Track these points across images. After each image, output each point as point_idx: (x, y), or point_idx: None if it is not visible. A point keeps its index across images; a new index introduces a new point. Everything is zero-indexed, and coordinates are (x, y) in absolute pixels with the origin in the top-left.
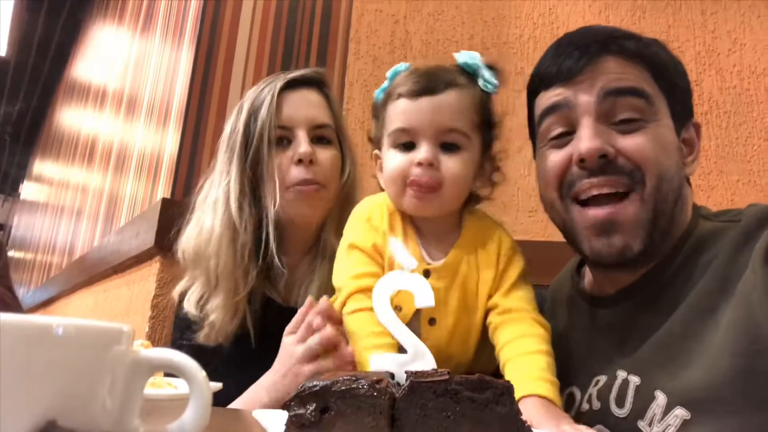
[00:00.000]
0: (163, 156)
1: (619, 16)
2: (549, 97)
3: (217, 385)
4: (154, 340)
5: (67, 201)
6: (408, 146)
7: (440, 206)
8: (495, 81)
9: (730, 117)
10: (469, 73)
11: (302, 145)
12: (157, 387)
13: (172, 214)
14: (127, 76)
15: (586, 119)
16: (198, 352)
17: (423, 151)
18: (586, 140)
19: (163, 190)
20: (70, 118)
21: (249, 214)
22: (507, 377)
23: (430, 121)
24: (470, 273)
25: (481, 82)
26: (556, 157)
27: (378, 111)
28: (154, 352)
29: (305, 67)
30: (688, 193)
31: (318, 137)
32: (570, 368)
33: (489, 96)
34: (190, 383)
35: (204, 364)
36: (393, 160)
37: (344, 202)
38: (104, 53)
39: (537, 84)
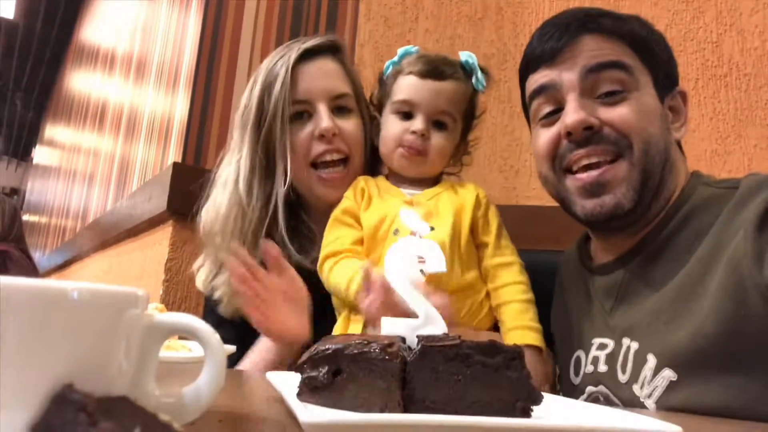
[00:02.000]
0: (174, 120)
1: None
2: (536, 79)
3: (231, 348)
4: (168, 303)
5: (80, 165)
6: (406, 115)
7: (423, 169)
8: (484, 82)
9: (750, 80)
10: (466, 71)
11: (324, 119)
12: (173, 350)
13: (184, 178)
14: (135, 40)
15: (571, 95)
16: (227, 321)
17: (419, 122)
18: (571, 114)
19: (174, 154)
20: (80, 82)
21: (258, 191)
22: (502, 319)
23: (430, 100)
24: (453, 196)
25: (474, 80)
26: (546, 134)
27: (386, 80)
28: (169, 317)
29: (317, 34)
30: (678, 157)
31: (338, 107)
32: (576, 334)
33: (476, 93)
34: (204, 346)
35: (235, 331)
36: (392, 124)
37: (372, 168)
38: (112, 16)
39: (525, 67)
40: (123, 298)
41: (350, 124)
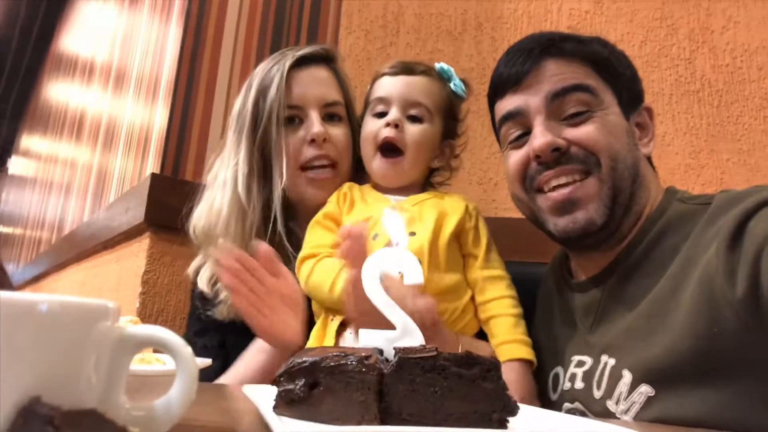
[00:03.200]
0: (152, 131)
1: None
2: (504, 105)
3: (206, 361)
4: (145, 316)
5: (56, 176)
6: (382, 115)
7: (403, 172)
8: (464, 88)
9: (722, 95)
10: (443, 77)
11: (315, 125)
12: (146, 363)
13: (162, 189)
14: (114, 50)
15: (538, 119)
16: (217, 325)
17: (392, 114)
18: (538, 137)
19: (152, 166)
20: (58, 92)
21: (257, 193)
22: (492, 332)
23: (402, 92)
24: (439, 202)
25: (452, 85)
26: (515, 157)
27: (367, 97)
28: (140, 329)
29: (312, 43)
30: (648, 173)
31: (329, 114)
32: (556, 350)
33: (458, 98)
34: (176, 359)
35: (221, 336)
36: (368, 124)
37: (357, 176)
38: (91, 26)
39: (493, 93)
40: (93, 311)
41: (340, 132)
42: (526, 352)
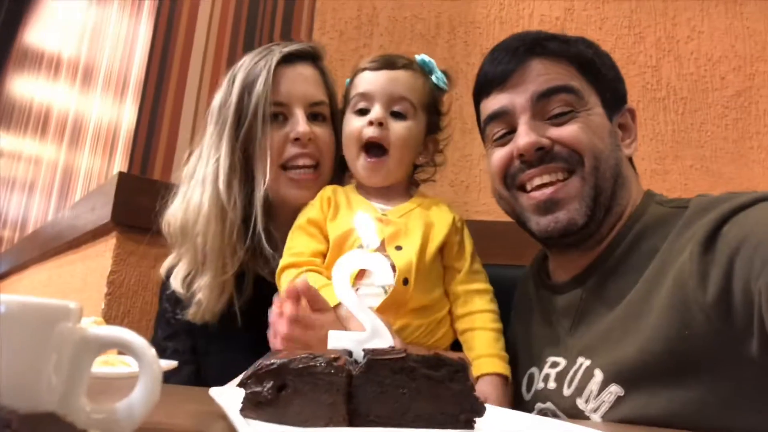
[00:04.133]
0: (120, 129)
1: (583, 0)
2: (489, 105)
3: (171, 363)
4: (110, 317)
5: (19, 173)
6: (364, 112)
7: (388, 172)
8: (446, 80)
9: (686, 103)
10: (424, 70)
11: (300, 124)
12: (110, 365)
13: (130, 188)
14: (83, 45)
15: (523, 118)
16: (188, 328)
17: (375, 111)
18: (523, 137)
19: (119, 164)
20: (22, 86)
21: (238, 191)
22: (471, 344)
23: (384, 88)
24: (425, 213)
25: (434, 78)
26: (499, 154)
27: (347, 92)
28: (101, 330)
29: (297, 40)
30: (629, 174)
31: (313, 114)
32: (532, 350)
33: (439, 91)
34: (138, 361)
35: (192, 341)
36: (350, 122)
37: (338, 178)
38: (59, 19)
39: (478, 92)
40: (54, 312)
41: (324, 132)
42: (504, 368)
